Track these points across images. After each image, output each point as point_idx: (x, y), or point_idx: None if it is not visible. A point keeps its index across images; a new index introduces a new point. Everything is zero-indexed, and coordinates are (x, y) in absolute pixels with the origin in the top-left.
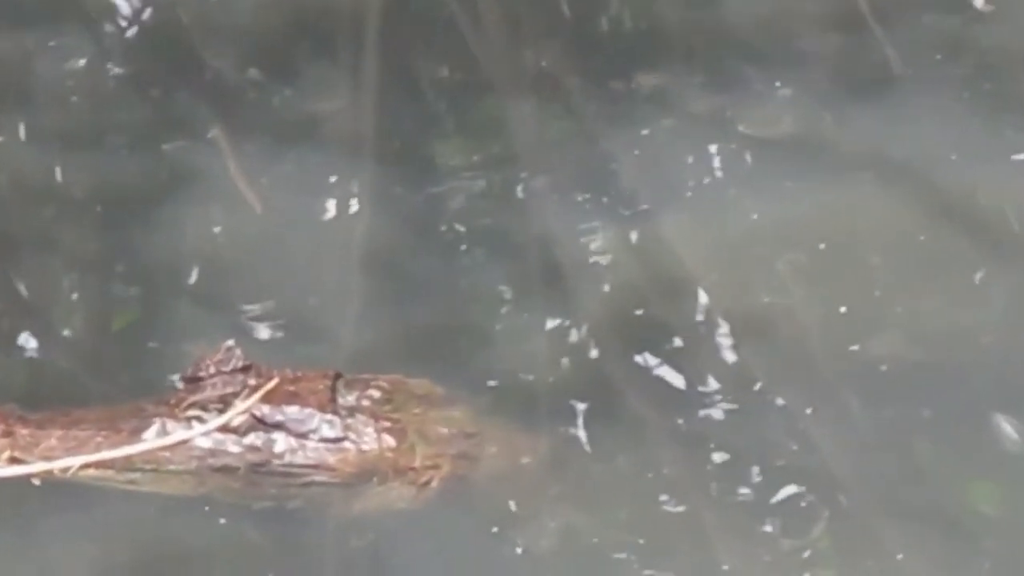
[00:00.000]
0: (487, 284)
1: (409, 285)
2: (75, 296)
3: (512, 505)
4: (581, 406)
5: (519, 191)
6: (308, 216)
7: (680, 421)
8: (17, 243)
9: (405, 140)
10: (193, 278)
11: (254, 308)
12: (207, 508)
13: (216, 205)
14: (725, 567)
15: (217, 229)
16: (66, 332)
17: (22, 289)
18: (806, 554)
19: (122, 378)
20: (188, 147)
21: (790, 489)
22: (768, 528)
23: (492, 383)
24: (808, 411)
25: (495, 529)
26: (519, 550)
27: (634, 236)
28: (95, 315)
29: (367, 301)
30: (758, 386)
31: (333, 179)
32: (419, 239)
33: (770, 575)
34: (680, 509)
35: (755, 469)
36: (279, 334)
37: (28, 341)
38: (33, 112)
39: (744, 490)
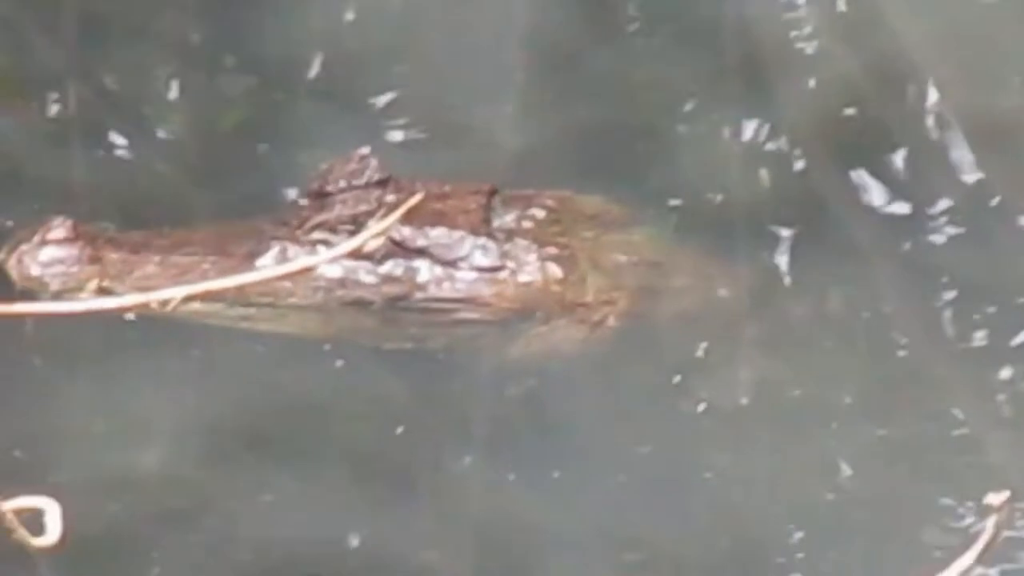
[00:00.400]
0: (671, 78)
1: (578, 78)
2: (174, 90)
3: (700, 350)
4: (785, 230)
5: None
6: None
7: (904, 248)
8: (106, 26)
9: None
10: (316, 71)
11: (392, 107)
12: (333, 350)
13: None
14: (958, 422)
15: (345, 11)
16: (163, 134)
17: (111, 81)
18: None
19: (232, 192)
20: None
21: None
22: (1006, 375)
23: (678, 201)
24: None
25: (677, 379)
26: (703, 405)
27: (847, 17)
28: (199, 114)
29: (528, 98)
30: (997, 204)
31: None
32: (590, 22)
33: (1010, 430)
34: (902, 355)
35: (991, 308)
36: (422, 138)
37: (118, 143)
38: None
39: (979, 333)
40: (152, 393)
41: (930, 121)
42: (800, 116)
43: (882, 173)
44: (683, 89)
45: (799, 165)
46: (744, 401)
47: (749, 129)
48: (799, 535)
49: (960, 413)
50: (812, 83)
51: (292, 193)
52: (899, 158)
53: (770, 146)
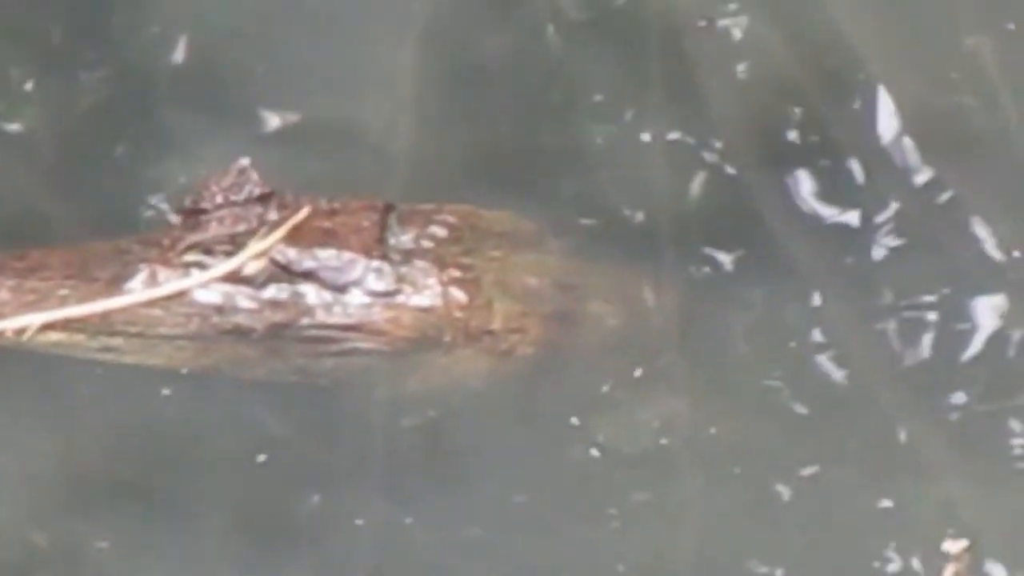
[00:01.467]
0: (587, 77)
1: (481, 79)
2: (27, 90)
3: (617, 382)
4: (714, 247)
5: None
6: None
7: (845, 262)
8: None
9: None
10: (187, 71)
11: (273, 113)
12: (208, 384)
13: None
14: (905, 450)
15: (222, 5)
16: (14, 139)
17: None
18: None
19: (94, 208)
20: None
21: (992, 347)
22: (955, 398)
23: (595, 215)
24: (1014, 246)
25: (590, 415)
26: (617, 443)
27: (784, 8)
28: (54, 118)
29: (426, 103)
30: (948, 203)
31: None
32: (495, 18)
33: (960, 457)
34: (842, 382)
35: (939, 325)
36: (307, 148)
37: None
38: None
39: (926, 353)
40: (7, 433)
41: (872, 121)
42: (730, 118)
43: (822, 178)
44: (599, 90)
45: (729, 172)
46: (664, 441)
47: (674, 134)
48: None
49: (906, 440)
50: (742, 80)
51: (162, 209)
52: (840, 162)
53: (697, 153)
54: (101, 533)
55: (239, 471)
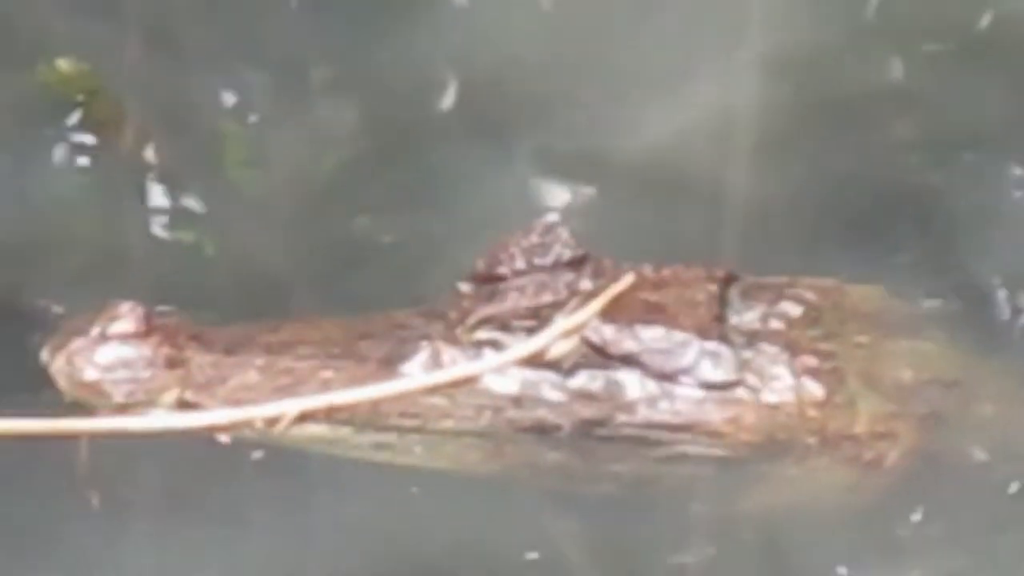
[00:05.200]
0: (963, 111)
1: (837, 113)
2: (265, 130)
3: (1008, 504)
4: None
5: None
6: None
7: None
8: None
9: None
10: (471, 100)
11: (588, 157)
12: (503, 494)
13: None
14: None
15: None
16: (258, 191)
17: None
18: None
19: (363, 273)
20: None
21: None
22: None
23: (986, 293)
24: None
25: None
26: None
27: None
28: (304, 162)
29: (770, 141)
30: None
31: None
32: (844, 40)
33: None
34: None
35: None
36: (630, 199)
37: (197, 203)
38: None
39: None
40: (253, 549)
41: None
42: None
43: None
44: (986, 134)
45: None
46: None
47: None
48: None
49: None
50: None
51: (449, 277)
52: None
53: None
54: None
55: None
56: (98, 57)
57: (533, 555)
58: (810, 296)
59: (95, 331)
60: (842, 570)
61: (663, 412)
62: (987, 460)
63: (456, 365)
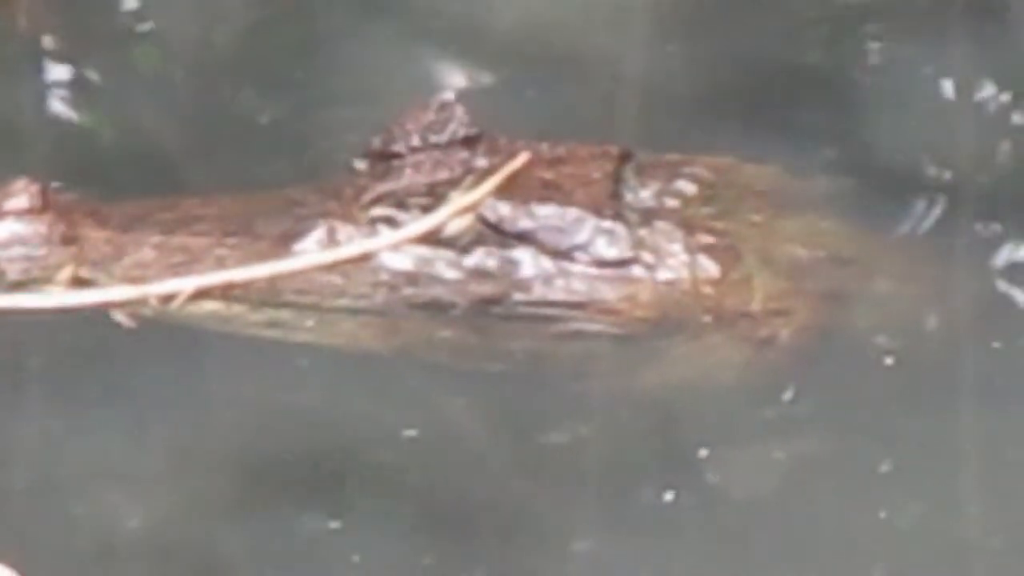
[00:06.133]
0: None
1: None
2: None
3: (904, 384)
4: None
5: None
6: None
7: None
8: None
9: None
10: None
11: (484, 36)
12: (396, 369)
13: None
14: None
15: None
16: (159, 70)
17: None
18: None
19: (260, 150)
20: None
21: None
22: None
23: (883, 172)
24: None
25: (868, 422)
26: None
27: None
28: (206, 43)
29: (669, 23)
30: None
31: None
32: None
33: None
34: None
35: None
36: (525, 78)
37: (97, 81)
38: None
39: None
40: (143, 426)
41: None
42: None
43: None
44: (884, 16)
45: None
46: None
47: (986, 88)
48: None
49: None
50: None
51: (345, 153)
52: None
53: (1012, 97)
54: (260, 540)
55: (430, 472)
56: None
57: (420, 431)
58: (706, 174)
59: None
60: (735, 446)
61: (558, 290)
62: (881, 337)
63: (351, 242)
